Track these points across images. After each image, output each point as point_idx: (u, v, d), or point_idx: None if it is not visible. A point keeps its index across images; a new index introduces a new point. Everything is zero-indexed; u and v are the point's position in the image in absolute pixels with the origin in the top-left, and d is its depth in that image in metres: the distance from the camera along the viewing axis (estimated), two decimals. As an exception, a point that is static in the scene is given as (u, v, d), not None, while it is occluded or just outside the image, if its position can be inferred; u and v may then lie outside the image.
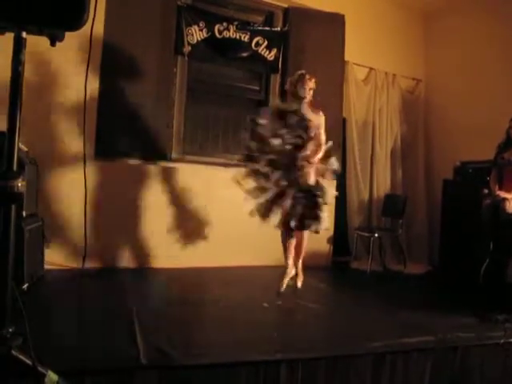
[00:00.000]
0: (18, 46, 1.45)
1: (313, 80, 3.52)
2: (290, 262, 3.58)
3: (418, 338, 2.58)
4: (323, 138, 3.55)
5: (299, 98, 3.51)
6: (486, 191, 4.07)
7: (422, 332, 2.68)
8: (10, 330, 1.43)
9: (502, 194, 3.75)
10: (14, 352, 1.41)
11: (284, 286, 3.52)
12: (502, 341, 2.68)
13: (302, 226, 3.40)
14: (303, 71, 3.58)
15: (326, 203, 3.42)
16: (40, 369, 1.43)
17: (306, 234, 3.54)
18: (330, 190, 3.52)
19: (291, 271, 3.62)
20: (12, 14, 1.36)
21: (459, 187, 4.89)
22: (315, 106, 3.58)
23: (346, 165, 5.28)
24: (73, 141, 3.85)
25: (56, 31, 1.48)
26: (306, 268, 3.72)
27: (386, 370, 2.41)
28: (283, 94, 4.21)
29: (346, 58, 5.18)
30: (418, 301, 3.66)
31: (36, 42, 1.56)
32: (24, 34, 1.45)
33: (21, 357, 1.42)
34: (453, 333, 2.69)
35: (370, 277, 4.57)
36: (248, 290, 3.58)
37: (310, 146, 3.44)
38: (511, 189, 3.77)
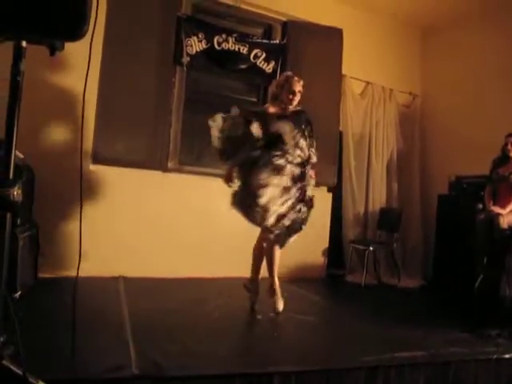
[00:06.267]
0: (18, 55, 1.45)
1: (301, 82, 3.27)
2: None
3: (410, 353, 2.58)
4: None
5: (285, 101, 3.25)
6: (480, 206, 4.10)
7: (415, 347, 2.68)
8: (2, 338, 1.42)
9: (496, 210, 3.77)
10: (4, 362, 1.39)
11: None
12: (494, 356, 2.68)
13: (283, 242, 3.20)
14: (290, 72, 3.38)
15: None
16: (31, 379, 1.42)
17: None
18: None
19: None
20: (11, 23, 1.37)
21: (454, 202, 4.91)
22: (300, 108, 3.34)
23: (342, 177, 5.30)
24: (69, 148, 3.85)
25: (56, 41, 1.49)
26: (300, 280, 3.70)
27: (379, 384, 2.41)
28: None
29: (344, 71, 5.23)
30: (411, 315, 3.66)
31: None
32: (24, 44, 1.45)
33: (11, 366, 1.40)
34: (446, 348, 2.70)
35: (364, 290, 4.57)
36: (243, 302, 3.56)
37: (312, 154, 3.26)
38: (505, 204, 3.80)
